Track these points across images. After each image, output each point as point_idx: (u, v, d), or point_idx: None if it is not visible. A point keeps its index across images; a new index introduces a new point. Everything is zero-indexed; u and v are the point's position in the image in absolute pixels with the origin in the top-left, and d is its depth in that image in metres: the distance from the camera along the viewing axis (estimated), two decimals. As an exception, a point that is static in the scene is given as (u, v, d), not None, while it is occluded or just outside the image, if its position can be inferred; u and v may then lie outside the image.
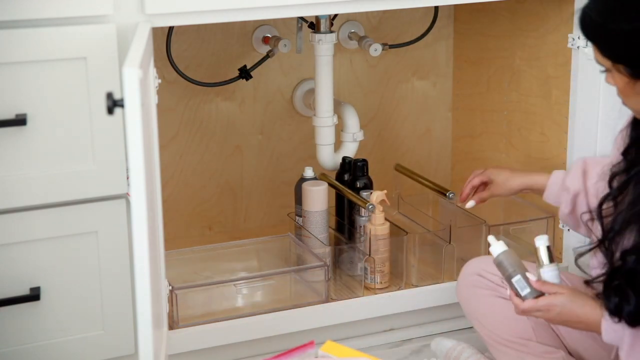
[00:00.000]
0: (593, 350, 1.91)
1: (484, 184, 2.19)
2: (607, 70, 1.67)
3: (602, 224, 1.74)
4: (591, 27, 1.64)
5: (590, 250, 1.79)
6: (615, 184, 1.73)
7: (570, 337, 1.93)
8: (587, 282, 1.79)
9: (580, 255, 1.84)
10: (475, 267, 2.03)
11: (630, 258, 1.66)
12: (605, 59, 1.64)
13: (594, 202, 1.90)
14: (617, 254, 1.70)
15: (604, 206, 1.75)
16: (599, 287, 1.75)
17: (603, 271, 1.74)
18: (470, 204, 2.19)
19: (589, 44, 2.11)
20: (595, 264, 1.79)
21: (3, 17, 1.72)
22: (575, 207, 1.99)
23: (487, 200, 2.20)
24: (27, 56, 1.75)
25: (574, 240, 2.25)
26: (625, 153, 1.74)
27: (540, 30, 2.31)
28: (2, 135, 1.77)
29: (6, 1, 1.71)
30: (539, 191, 2.10)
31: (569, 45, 2.19)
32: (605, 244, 1.73)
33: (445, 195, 2.28)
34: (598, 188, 1.86)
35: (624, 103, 1.69)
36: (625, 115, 1.78)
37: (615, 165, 1.75)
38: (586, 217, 1.84)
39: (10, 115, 1.76)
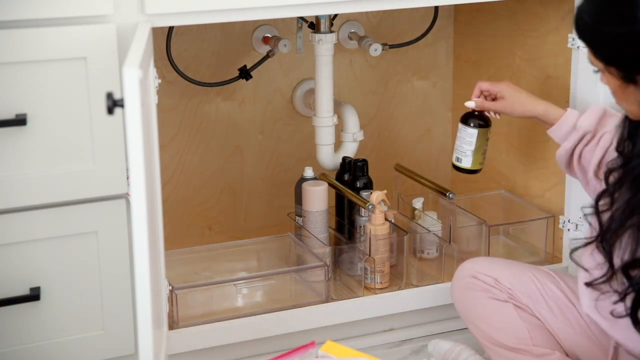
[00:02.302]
0: (589, 351, 1.91)
1: (496, 97, 2.13)
2: (600, 72, 1.68)
3: (599, 221, 1.74)
4: (584, 29, 1.65)
5: (586, 245, 1.78)
6: (611, 179, 1.73)
7: (566, 338, 1.93)
8: (588, 284, 1.79)
9: (575, 249, 1.83)
10: (469, 269, 2.03)
11: (635, 272, 1.66)
12: (598, 60, 1.65)
13: (600, 147, 1.94)
14: (616, 257, 1.70)
15: (601, 202, 1.74)
16: (600, 288, 1.75)
17: (601, 272, 1.73)
18: (470, 103, 2.13)
19: (588, 44, 2.12)
20: (593, 265, 1.78)
21: (3, 17, 1.72)
22: (578, 145, 1.99)
23: (492, 110, 2.13)
24: (27, 56, 1.75)
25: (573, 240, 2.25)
26: (618, 148, 1.74)
27: (540, 30, 2.31)
28: (2, 135, 1.77)
29: (6, 1, 1.72)
30: (547, 123, 2.07)
31: (569, 45, 2.19)
32: (602, 242, 1.72)
33: (445, 195, 2.28)
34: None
35: (617, 103, 1.70)
36: None
37: (611, 161, 1.76)
38: (587, 211, 1.83)
39: (10, 115, 1.76)
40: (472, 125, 2.13)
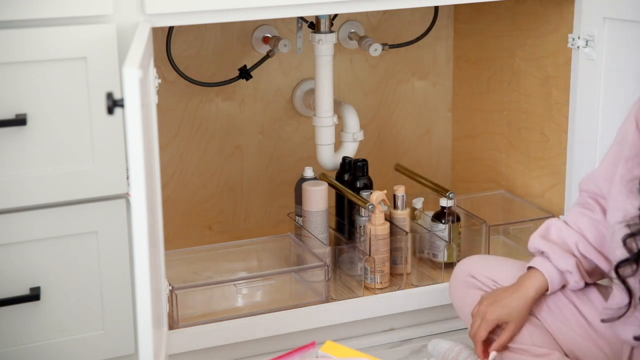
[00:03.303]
0: (589, 351, 1.91)
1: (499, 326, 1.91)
2: None
3: (627, 287, 1.64)
4: None
5: (620, 317, 1.68)
6: (632, 245, 1.60)
7: (565, 338, 1.93)
8: (637, 339, 1.67)
9: (609, 320, 1.72)
10: (467, 267, 2.03)
11: None
12: None
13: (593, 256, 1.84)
14: None
15: (621, 270, 1.63)
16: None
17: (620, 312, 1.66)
18: (493, 355, 1.87)
19: (589, 44, 2.11)
20: (636, 322, 1.69)
21: (3, 17, 1.72)
22: (582, 273, 1.87)
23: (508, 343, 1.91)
24: (27, 56, 1.75)
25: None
26: None
27: (540, 30, 2.31)
28: (2, 135, 1.77)
29: (6, 1, 1.72)
30: (543, 292, 1.90)
31: (569, 45, 2.19)
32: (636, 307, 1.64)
33: (445, 195, 2.28)
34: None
35: None
36: None
37: (632, 224, 1.62)
38: (614, 280, 1.70)
39: (10, 115, 1.76)
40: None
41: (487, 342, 1.90)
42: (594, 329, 1.90)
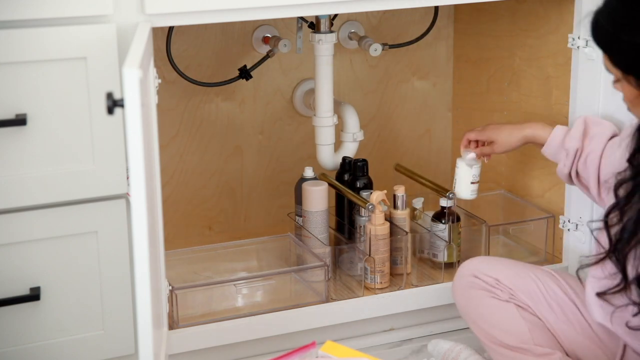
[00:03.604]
0: (590, 351, 1.91)
1: (488, 142, 2.21)
2: (616, 80, 1.65)
3: (609, 234, 1.70)
4: (603, 36, 1.61)
5: (598, 262, 1.75)
6: (621, 192, 1.69)
7: (567, 338, 1.93)
8: (600, 294, 1.75)
9: (586, 266, 1.80)
10: (470, 268, 2.03)
11: None
12: (616, 68, 1.62)
13: (590, 165, 1.97)
14: (630, 267, 1.67)
15: (611, 215, 1.71)
16: (612, 298, 1.73)
17: (614, 282, 1.70)
18: (471, 155, 2.21)
19: (589, 44, 2.11)
20: (601, 275, 1.75)
21: (3, 17, 1.72)
22: (571, 167, 2.03)
23: (490, 155, 2.22)
24: (27, 56, 1.75)
25: (573, 239, 2.25)
26: (631, 160, 1.70)
27: (540, 30, 2.31)
28: (2, 135, 1.77)
29: (6, 1, 1.71)
30: (539, 144, 2.12)
31: (569, 45, 2.19)
32: (615, 254, 1.69)
33: (445, 195, 2.28)
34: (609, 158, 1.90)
35: (630, 110, 1.67)
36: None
37: (621, 172, 1.72)
38: (595, 225, 1.81)
39: (10, 115, 1.76)
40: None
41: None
42: (594, 329, 1.90)
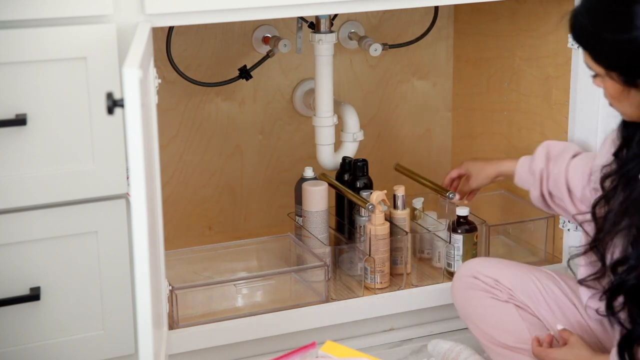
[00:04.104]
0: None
1: (466, 177, 2.26)
2: (596, 75, 1.66)
3: (596, 225, 1.74)
4: (583, 35, 1.62)
5: (584, 253, 1.79)
6: (607, 184, 1.73)
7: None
8: (580, 282, 1.80)
9: (574, 257, 1.85)
10: (470, 269, 2.03)
11: (621, 269, 1.66)
12: (598, 65, 1.63)
13: (558, 181, 2.00)
14: (609, 255, 1.70)
15: (597, 208, 1.75)
16: (593, 285, 1.76)
17: (593, 269, 1.75)
18: (455, 198, 2.26)
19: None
20: (583, 262, 1.81)
21: (3, 17, 1.72)
22: (542, 189, 2.06)
23: (474, 194, 2.28)
24: (27, 56, 1.75)
25: (574, 241, 2.25)
26: (616, 154, 1.73)
27: (540, 30, 2.31)
28: (2, 135, 1.77)
29: (6, 1, 1.71)
30: (511, 177, 2.16)
31: (569, 45, 2.19)
32: (596, 243, 1.73)
33: (445, 195, 2.28)
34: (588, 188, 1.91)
35: (612, 105, 1.69)
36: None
37: (607, 166, 1.75)
38: (582, 218, 1.84)
39: (10, 115, 1.76)
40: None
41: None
42: (592, 329, 1.90)
